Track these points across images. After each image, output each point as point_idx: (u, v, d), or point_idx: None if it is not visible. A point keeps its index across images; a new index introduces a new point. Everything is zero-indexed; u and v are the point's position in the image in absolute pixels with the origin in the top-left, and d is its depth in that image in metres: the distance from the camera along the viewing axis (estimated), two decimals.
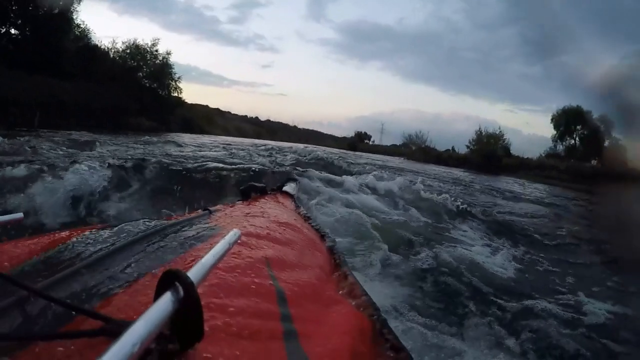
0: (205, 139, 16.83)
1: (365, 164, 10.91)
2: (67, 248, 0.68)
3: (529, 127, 73.59)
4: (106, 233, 0.76)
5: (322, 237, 1.08)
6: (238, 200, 1.52)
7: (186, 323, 0.33)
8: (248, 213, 1.14)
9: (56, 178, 3.16)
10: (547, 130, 50.00)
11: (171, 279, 0.34)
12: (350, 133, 46.44)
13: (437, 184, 8.32)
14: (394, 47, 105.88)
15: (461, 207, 4.89)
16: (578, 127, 31.18)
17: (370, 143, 41.75)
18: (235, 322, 0.45)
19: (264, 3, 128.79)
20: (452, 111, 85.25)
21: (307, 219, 1.33)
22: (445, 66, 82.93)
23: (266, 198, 1.59)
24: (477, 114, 76.12)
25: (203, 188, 4.34)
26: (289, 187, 1.98)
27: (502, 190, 10.31)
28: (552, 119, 31.63)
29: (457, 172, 16.48)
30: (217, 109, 50.99)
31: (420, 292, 2.04)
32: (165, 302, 0.31)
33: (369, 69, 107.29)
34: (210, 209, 1.11)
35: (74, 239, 0.73)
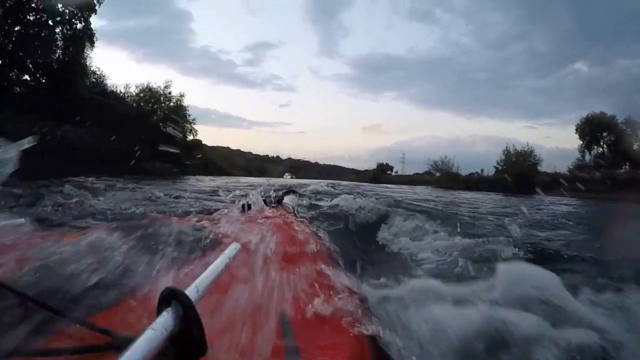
0: (220, 180, 15.36)
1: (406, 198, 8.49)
2: (68, 255, 0.67)
3: (550, 140, 73.36)
4: (104, 238, 0.76)
5: (324, 251, 1.07)
6: (238, 212, 1.56)
7: (187, 339, 0.34)
8: (248, 225, 1.17)
9: None
10: (570, 142, 49.45)
11: (170, 297, 0.34)
12: (371, 165, 45.59)
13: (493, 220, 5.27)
14: (406, 75, 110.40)
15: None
16: (604, 134, 30.05)
17: (393, 174, 40.63)
18: (237, 339, 0.46)
19: (277, 44, 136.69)
20: (470, 133, 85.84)
21: (307, 231, 1.33)
22: (458, 90, 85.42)
23: (266, 210, 1.65)
24: (497, 134, 75.41)
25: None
26: (289, 200, 2.23)
27: (568, 214, 7.88)
28: (576, 129, 30.66)
29: (496, 197, 14.06)
30: (238, 150, 51.52)
31: None
32: (165, 320, 0.32)
33: (383, 100, 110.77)
34: (212, 218, 1.18)
35: (76, 245, 0.72)
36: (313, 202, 5.27)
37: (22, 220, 0.71)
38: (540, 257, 2.44)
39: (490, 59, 79.57)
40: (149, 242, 0.74)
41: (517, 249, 2.47)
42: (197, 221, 1.08)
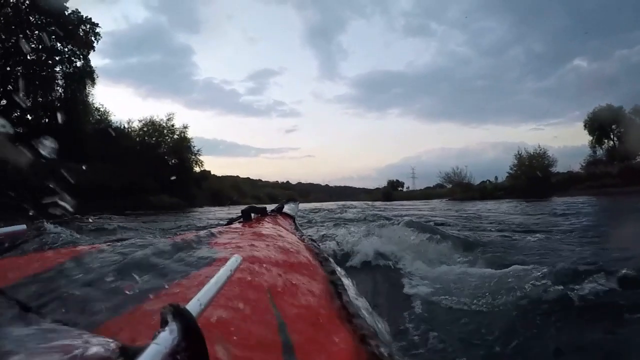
0: (226, 211, 14.46)
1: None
2: (70, 266, 0.68)
3: (558, 140, 72.88)
4: (109, 252, 0.76)
5: (322, 260, 1.04)
6: (239, 222, 1.57)
7: (190, 354, 0.34)
8: (249, 236, 1.15)
9: None
10: (578, 139, 49.11)
11: (172, 313, 0.35)
12: (382, 183, 44.60)
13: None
14: (409, 91, 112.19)
15: None
16: (613, 127, 29.47)
17: (404, 190, 39.77)
18: (238, 353, 0.46)
19: (278, 70, 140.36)
20: (478, 142, 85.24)
21: (306, 241, 1.32)
22: (461, 99, 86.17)
23: (267, 219, 1.62)
24: (504, 139, 74.09)
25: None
26: (289, 208, 2.09)
27: (603, 216, 7.29)
28: (584, 125, 30.07)
29: (518, 205, 12.96)
30: (248, 178, 51.63)
31: None
32: (167, 335, 0.33)
33: (388, 117, 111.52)
34: (212, 230, 1.15)
35: (78, 257, 0.72)
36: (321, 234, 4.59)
37: (23, 226, 0.70)
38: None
39: (490, 66, 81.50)
40: (150, 257, 0.72)
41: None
42: (199, 234, 1.02)
